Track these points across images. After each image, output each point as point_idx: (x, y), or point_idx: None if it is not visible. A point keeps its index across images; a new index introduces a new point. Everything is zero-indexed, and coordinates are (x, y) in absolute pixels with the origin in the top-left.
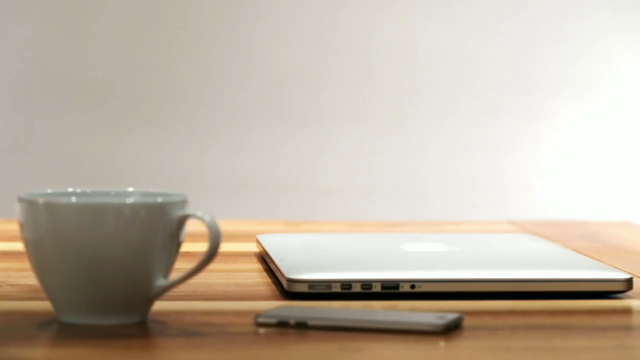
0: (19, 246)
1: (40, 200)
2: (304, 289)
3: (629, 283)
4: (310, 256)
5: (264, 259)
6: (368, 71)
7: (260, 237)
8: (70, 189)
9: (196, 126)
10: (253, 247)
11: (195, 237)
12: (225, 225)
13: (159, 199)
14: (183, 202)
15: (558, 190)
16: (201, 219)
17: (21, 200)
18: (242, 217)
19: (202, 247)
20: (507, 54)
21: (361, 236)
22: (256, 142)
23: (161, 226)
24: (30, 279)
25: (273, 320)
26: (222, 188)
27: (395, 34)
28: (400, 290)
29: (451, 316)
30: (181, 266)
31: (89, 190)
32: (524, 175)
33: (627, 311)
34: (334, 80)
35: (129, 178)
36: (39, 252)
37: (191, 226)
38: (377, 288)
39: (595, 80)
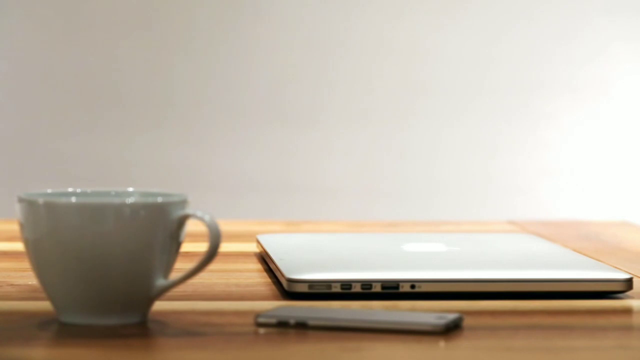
0: (19, 246)
1: (40, 200)
2: (304, 289)
3: (629, 283)
4: (310, 256)
5: (264, 259)
6: (371, 72)
7: (260, 237)
8: (70, 189)
9: (199, 126)
10: (253, 247)
11: (195, 237)
12: (225, 225)
13: (159, 199)
14: (183, 202)
15: (558, 191)
16: (201, 219)
17: (21, 200)
18: (244, 218)
19: (202, 247)
20: (511, 56)
21: (361, 236)
22: (260, 142)
23: (161, 226)
24: (30, 279)
25: (273, 320)
26: (225, 188)
27: (400, 35)
28: (400, 290)
29: (451, 316)
30: (181, 266)
31: (89, 190)
32: (525, 176)
33: (627, 311)
34: (337, 81)
35: (130, 178)
36: (39, 252)
37: (191, 226)
38: (377, 288)
39: (596, 82)
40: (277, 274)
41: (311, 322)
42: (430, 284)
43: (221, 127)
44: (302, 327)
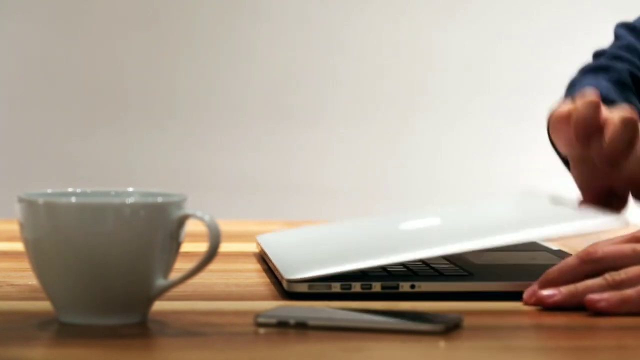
0: (19, 246)
1: (40, 200)
2: (303, 289)
3: None
4: (310, 256)
5: (264, 259)
6: (372, 73)
7: (260, 238)
8: (70, 189)
9: (199, 127)
10: (253, 247)
11: (195, 237)
12: (225, 225)
13: (159, 199)
14: (183, 202)
15: (558, 191)
16: (201, 219)
17: (21, 200)
18: (244, 218)
19: (202, 247)
20: (512, 56)
21: (360, 225)
22: (261, 143)
23: (161, 226)
24: (30, 279)
25: (273, 320)
26: (225, 188)
27: (401, 35)
28: (400, 290)
29: (451, 316)
30: (181, 266)
31: (89, 190)
32: (525, 176)
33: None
34: (338, 82)
35: (131, 178)
36: (39, 252)
37: (191, 226)
38: (377, 288)
39: None
40: (277, 274)
41: (311, 322)
42: (430, 284)
43: (221, 127)
44: (302, 327)
